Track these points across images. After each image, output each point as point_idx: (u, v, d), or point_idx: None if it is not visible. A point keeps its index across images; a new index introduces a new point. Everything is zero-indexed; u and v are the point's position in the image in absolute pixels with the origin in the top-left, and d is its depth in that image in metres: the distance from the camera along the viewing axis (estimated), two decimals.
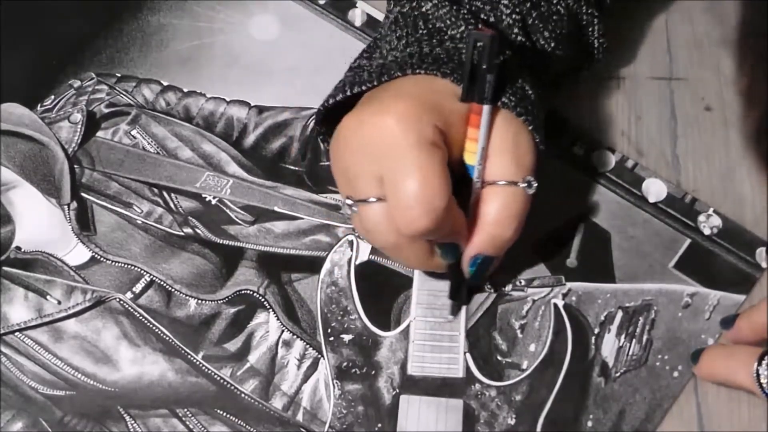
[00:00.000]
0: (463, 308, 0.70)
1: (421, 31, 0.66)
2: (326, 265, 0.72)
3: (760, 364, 0.62)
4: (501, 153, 0.62)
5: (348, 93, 0.65)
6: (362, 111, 0.61)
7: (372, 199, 0.61)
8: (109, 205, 0.76)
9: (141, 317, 0.71)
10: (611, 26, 0.78)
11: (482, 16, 0.66)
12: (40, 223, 0.76)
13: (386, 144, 0.58)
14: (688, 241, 0.72)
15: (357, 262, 0.72)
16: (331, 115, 0.66)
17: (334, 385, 0.68)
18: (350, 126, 0.61)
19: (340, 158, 0.63)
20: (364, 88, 0.64)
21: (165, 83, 0.82)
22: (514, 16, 0.66)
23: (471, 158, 0.62)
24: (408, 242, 0.62)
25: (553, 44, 0.68)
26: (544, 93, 0.68)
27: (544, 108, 0.67)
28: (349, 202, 0.63)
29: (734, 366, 0.64)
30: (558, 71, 0.72)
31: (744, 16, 0.82)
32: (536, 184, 0.63)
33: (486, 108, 0.60)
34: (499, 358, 0.68)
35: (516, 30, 0.66)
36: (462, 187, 0.63)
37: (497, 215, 0.63)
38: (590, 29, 0.72)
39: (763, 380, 0.62)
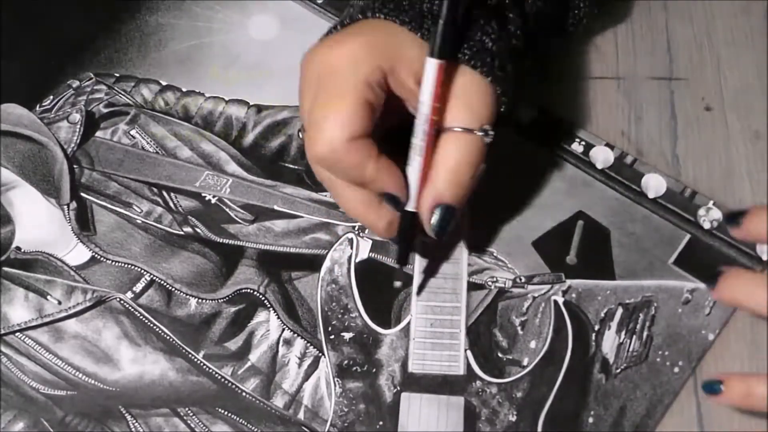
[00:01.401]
0: (464, 305, 0.70)
1: None
2: (326, 263, 0.72)
3: None
4: (456, 100, 0.62)
5: (320, 38, 0.66)
6: (319, 44, 0.64)
7: None
8: (109, 205, 0.76)
9: (141, 317, 0.71)
10: (611, 27, 0.79)
11: None
12: (40, 223, 0.76)
13: (325, 74, 0.61)
14: (688, 236, 0.71)
15: (357, 260, 0.72)
16: None
17: (335, 383, 0.68)
18: (306, 57, 0.63)
19: (299, 88, 0.64)
20: (332, 32, 0.66)
21: (164, 83, 0.82)
22: None
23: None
24: (338, 184, 0.63)
25: None
26: (523, 52, 0.68)
27: (520, 65, 0.67)
28: (299, 129, 0.65)
29: (761, 296, 0.63)
30: (541, 28, 0.72)
31: (744, 16, 0.82)
32: (492, 133, 0.62)
33: (431, 62, 0.60)
34: (499, 355, 0.68)
35: None
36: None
37: (453, 161, 0.62)
38: None
39: None
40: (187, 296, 0.72)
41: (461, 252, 0.72)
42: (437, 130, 0.62)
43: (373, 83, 0.60)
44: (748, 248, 0.71)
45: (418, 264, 0.72)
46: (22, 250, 0.75)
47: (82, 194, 0.76)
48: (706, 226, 0.72)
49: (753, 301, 0.64)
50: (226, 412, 0.68)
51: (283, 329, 0.70)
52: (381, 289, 0.71)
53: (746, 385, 0.63)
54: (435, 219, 0.64)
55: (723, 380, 0.64)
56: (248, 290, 0.72)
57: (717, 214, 0.72)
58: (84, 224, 0.75)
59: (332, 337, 0.69)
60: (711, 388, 0.65)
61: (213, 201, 0.76)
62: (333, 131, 0.59)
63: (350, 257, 0.72)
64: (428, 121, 0.61)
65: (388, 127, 0.64)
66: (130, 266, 0.74)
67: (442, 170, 0.63)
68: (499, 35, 0.65)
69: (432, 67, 0.60)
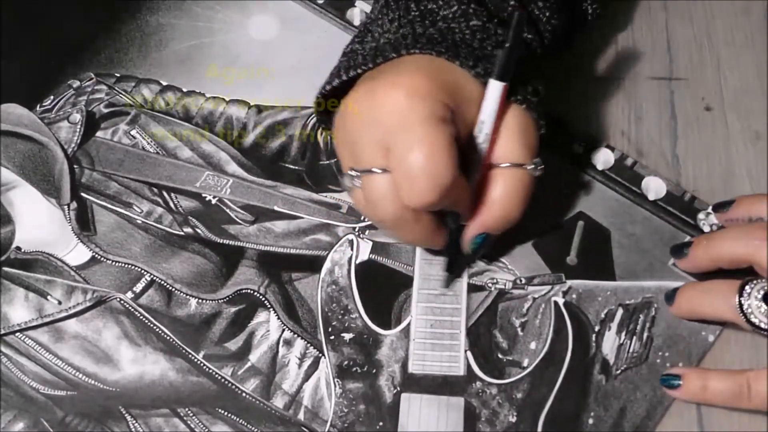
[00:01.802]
0: (464, 307, 0.70)
1: (413, 13, 0.67)
2: (327, 264, 0.72)
3: (741, 294, 0.63)
4: (511, 136, 0.64)
5: (344, 77, 0.65)
6: (374, 83, 0.62)
7: (377, 169, 0.61)
8: (109, 205, 0.76)
9: (141, 317, 0.71)
10: (611, 27, 0.79)
11: None
12: (40, 223, 0.76)
13: (396, 116, 0.59)
14: (688, 238, 0.71)
15: (357, 261, 0.72)
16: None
17: (335, 383, 0.68)
18: (360, 97, 0.62)
19: (346, 129, 0.63)
20: (359, 71, 0.65)
21: (164, 83, 0.82)
22: None
23: None
24: (411, 216, 0.63)
25: (548, 14, 0.69)
26: (538, 71, 0.69)
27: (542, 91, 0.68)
28: (353, 173, 0.63)
29: (714, 300, 0.65)
30: (551, 44, 0.73)
31: (744, 16, 0.82)
32: (542, 167, 0.65)
33: (495, 84, 0.62)
34: (499, 356, 0.68)
35: (512, 2, 0.67)
36: (468, 164, 0.64)
37: (506, 196, 0.64)
38: None
39: (746, 309, 0.63)
40: (188, 296, 0.72)
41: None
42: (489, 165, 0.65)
43: (447, 119, 0.60)
44: None
45: (419, 265, 0.72)
46: (23, 250, 0.75)
47: (83, 194, 0.76)
48: (706, 229, 0.72)
49: (708, 307, 0.66)
50: (226, 413, 0.68)
51: (284, 330, 0.70)
52: (381, 290, 0.71)
53: (703, 379, 0.64)
54: (475, 242, 0.67)
55: (681, 374, 0.65)
56: (248, 291, 0.72)
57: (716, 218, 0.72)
58: (84, 224, 0.75)
59: (332, 337, 0.69)
60: (668, 382, 0.65)
61: (213, 201, 0.76)
62: (440, 177, 0.59)
63: (351, 258, 0.72)
64: (488, 140, 0.63)
65: None
66: (130, 266, 0.74)
67: (493, 204, 0.65)
68: (525, 60, 0.66)
69: (496, 88, 0.62)
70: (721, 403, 0.64)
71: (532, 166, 0.64)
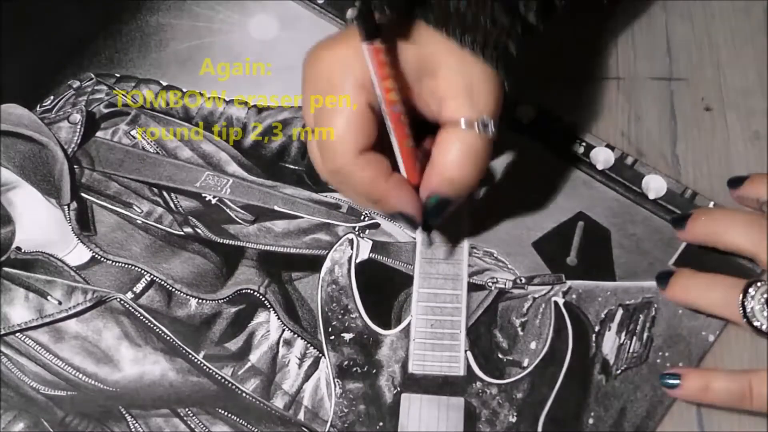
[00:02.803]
0: (464, 306, 0.70)
1: None
2: (327, 264, 0.72)
3: (744, 296, 0.63)
4: (455, 92, 0.61)
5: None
6: (319, 45, 0.63)
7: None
8: (109, 205, 0.76)
9: (142, 317, 0.71)
10: (611, 27, 0.79)
11: None
12: (40, 223, 0.76)
13: (321, 80, 0.61)
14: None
15: (357, 261, 0.72)
16: None
17: (335, 383, 0.68)
18: (307, 59, 0.63)
19: (302, 89, 0.64)
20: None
21: (164, 83, 0.82)
22: None
23: None
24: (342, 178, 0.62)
25: None
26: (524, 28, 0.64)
27: (520, 46, 0.63)
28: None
29: (713, 296, 0.65)
30: None
31: (744, 16, 0.82)
32: (494, 129, 0.61)
33: (364, 47, 0.58)
34: (500, 356, 0.68)
35: None
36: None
37: (452, 158, 0.61)
38: None
39: (749, 312, 0.63)
40: (188, 297, 0.72)
41: (461, 253, 0.72)
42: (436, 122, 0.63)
43: (368, 85, 0.60)
44: None
45: (419, 264, 0.72)
46: (23, 251, 0.75)
47: (83, 194, 0.76)
48: None
49: (705, 300, 0.66)
50: (226, 413, 0.68)
51: (284, 330, 0.70)
52: (381, 290, 0.71)
53: (704, 379, 0.64)
54: (428, 207, 0.64)
55: (681, 374, 0.65)
56: (248, 291, 0.72)
57: None
58: (84, 224, 0.75)
59: (332, 337, 0.69)
60: (667, 381, 0.65)
61: (213, 201, 0.76)
62: (341, 146, 0.59)
63: (351, 258, 0.72)
64: (384, 101, 0.60)
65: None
66: (130, 266, 0.74)
67: (439, 165, 0.62)
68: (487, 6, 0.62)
69: (367, 52, 0.58)
70: (722, 404, 0.64)
71: (482, 127, 0.60)
